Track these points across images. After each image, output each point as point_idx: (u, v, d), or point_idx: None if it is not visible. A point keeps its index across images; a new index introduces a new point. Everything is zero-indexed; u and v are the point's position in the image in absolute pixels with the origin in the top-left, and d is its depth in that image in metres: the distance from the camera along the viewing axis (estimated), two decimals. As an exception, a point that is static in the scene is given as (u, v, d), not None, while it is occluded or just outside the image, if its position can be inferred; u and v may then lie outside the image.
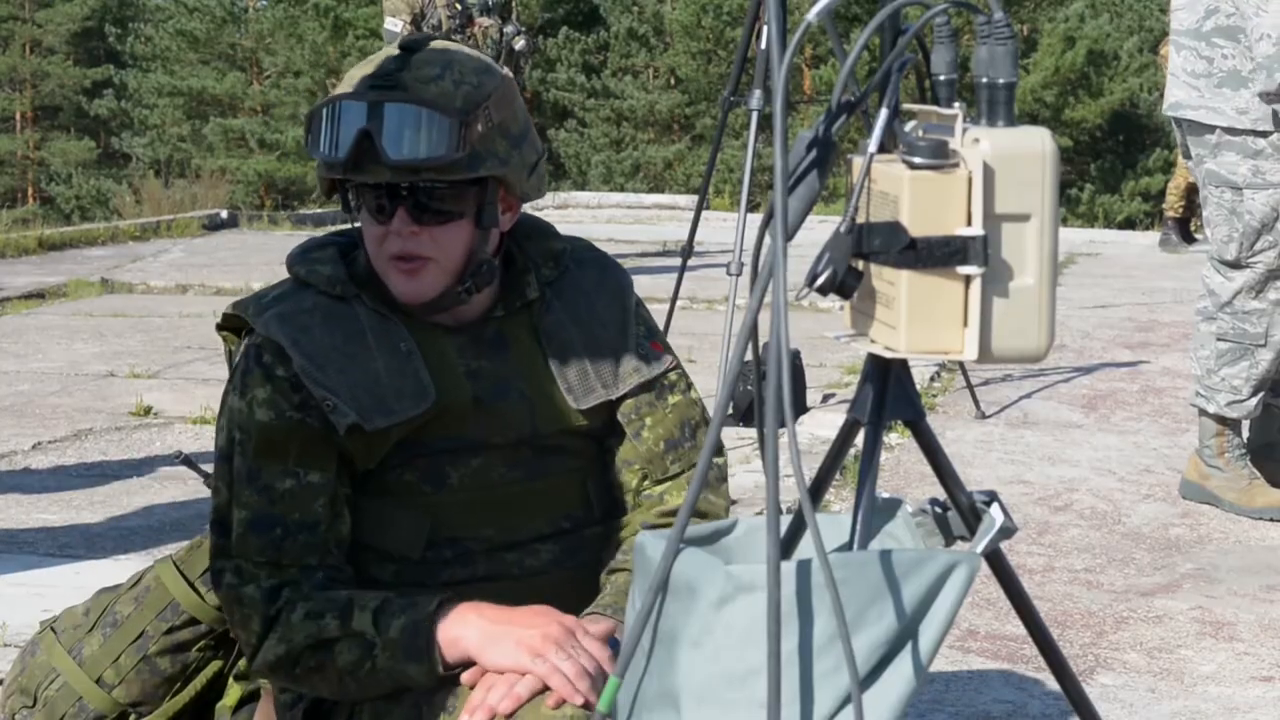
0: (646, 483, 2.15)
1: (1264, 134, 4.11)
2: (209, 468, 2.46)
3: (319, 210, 13.45)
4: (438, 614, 1.93)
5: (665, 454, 2.14)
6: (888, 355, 1.56)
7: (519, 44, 8.96)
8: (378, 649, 1.94)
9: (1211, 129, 4.21)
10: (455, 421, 2.05)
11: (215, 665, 2.33)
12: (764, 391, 1.50)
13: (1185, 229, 10.72)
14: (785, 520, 1.58)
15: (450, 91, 2.00)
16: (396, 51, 2.04)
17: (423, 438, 2.04)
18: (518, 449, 2.08)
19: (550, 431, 2.10)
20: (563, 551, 2.10)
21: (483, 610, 1.93)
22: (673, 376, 2.18)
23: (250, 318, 2.08)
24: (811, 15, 1.49)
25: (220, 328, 2.17)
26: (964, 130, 1.53)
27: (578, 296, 2.14)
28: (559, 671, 1.87)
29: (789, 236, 1.49)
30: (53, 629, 2.37)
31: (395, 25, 8.13)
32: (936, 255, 1.50)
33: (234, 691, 2.29)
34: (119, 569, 3.43)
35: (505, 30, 8.87)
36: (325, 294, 2.08)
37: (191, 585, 2.30)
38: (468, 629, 1.92)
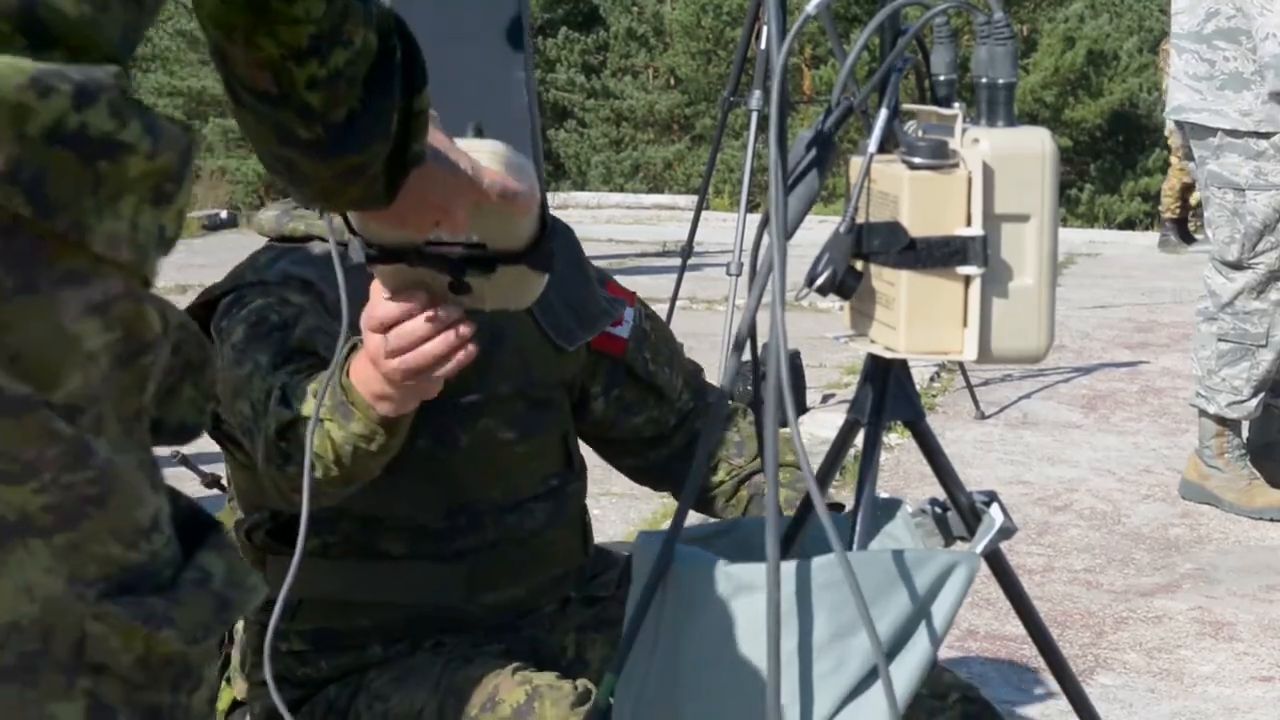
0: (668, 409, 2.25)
1: (1266, 135, 4.12)
2: (208, 468, 2.46)
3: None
4: (348, 366, 1.76)
5: (674, 374, 2.27)
6: (887, 355, 1.56)
7: (519, 44, 8.95)
8: (327, 422, 1.78)
9: (1214, 131, 4.21)
10: (463, 375, 2.02)
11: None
12: (763, 392, 1.50)
13: (1183, 229, 10.71)
14: (785, 520, 1.58)
15: None
16: None
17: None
18: (514, 402, 2.07)
19: (543, 379, 2.10)
20: (554, 510, 2.11)
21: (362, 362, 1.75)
22: (643, 314, 2.27)
23: (256, 275, 1.98)
24: (811, 8, 1.49)
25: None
26: (963, 130, 1.53)
27: None
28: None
29: (787, 236, 1.49)
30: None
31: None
32: (936, 255, 1.50)
33: (226, 695, 2.29)
34: (118, 569, 3.42)
35: (505, 30, 8.85)
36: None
37: None
38: (370, 375, 1.74)
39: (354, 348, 1.78)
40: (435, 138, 1.41)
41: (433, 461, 2.02)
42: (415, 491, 2.01)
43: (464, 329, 1.65)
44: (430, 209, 1.44)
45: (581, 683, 1.89)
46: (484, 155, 1.48)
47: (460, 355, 1.67)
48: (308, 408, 1.82)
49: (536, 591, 2.09)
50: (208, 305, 2.04)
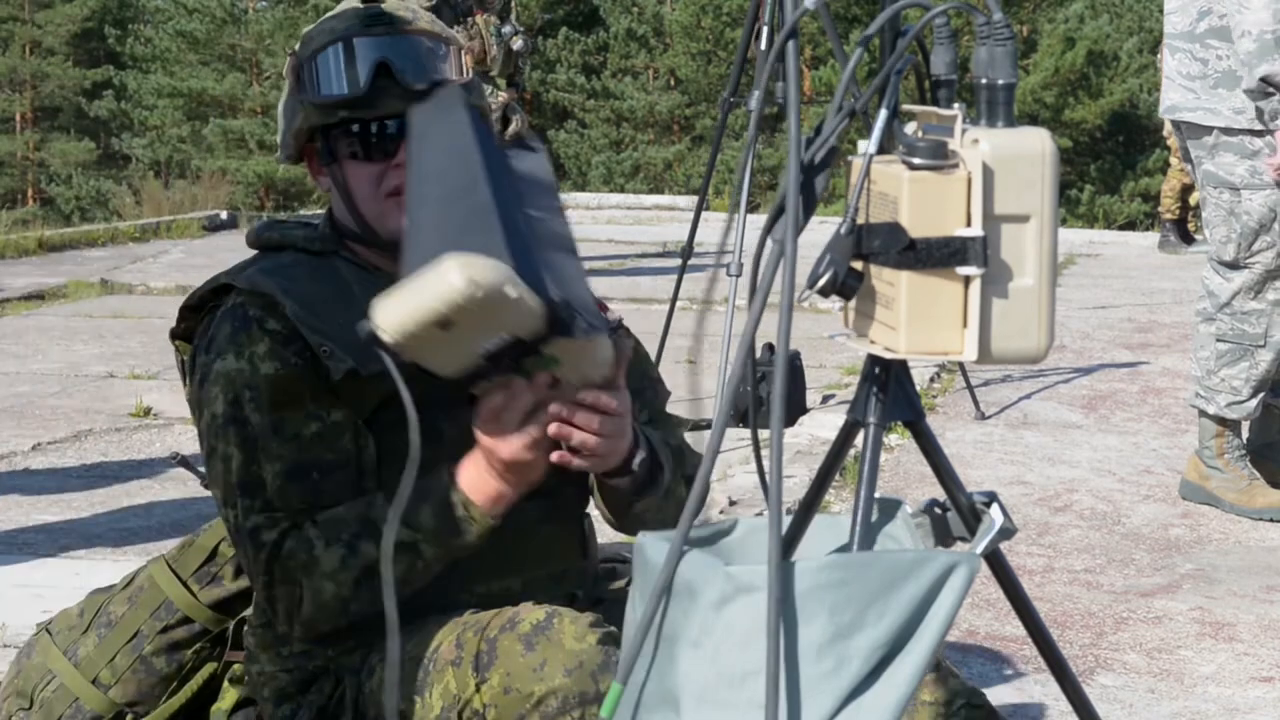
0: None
1: (1260, 134, 4.11)
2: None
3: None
4: (456, 483, 1.97)
5: (642, 401, 2.25)
6: (887, 356, 1.56)
7: (516, 44, 8.96)
8: (421, 544, 1.97)
9: (1209, 130, 4.22)
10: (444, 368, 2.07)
11: (211, 666, 2.32)
12: (762, 393, 1.50)
13: (1183, 229, 10.71)
14: (785, 521, 1.58)
15: (430, 27, 2.08)
16: (359, 2, 2.10)
17: (414, 390, 2.04)
18: None
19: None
20: (546, 507, 2.13)
21: (473, 461, 1.97)
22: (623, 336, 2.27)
23: (228, 279, 2.09)
24: (810, 2, 1.49)
25: (174, 336, 2.17)
26: (963, 131, 1.53)
27: None
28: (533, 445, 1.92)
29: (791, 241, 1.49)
30: (48, 631, 2.37)
31: None
32: (936, 256, 1.50)
33: (230, 695, 2.29)
34: (119, 569, 3.43)
35: (503, 31, 8.86)
36: (304, 251, 2.11)
37: (184, 584, 2.30)
38: (482, 480, 1.97)
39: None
40: None
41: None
42: (398, 482, 2.04)
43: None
44: None
45: (598, 615, 1.95)
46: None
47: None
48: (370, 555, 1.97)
49: (532, 585, 2.11)
50: (194, 308, 2.15)
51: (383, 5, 2.09)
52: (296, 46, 2.12)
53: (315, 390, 2.03)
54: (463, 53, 2.09)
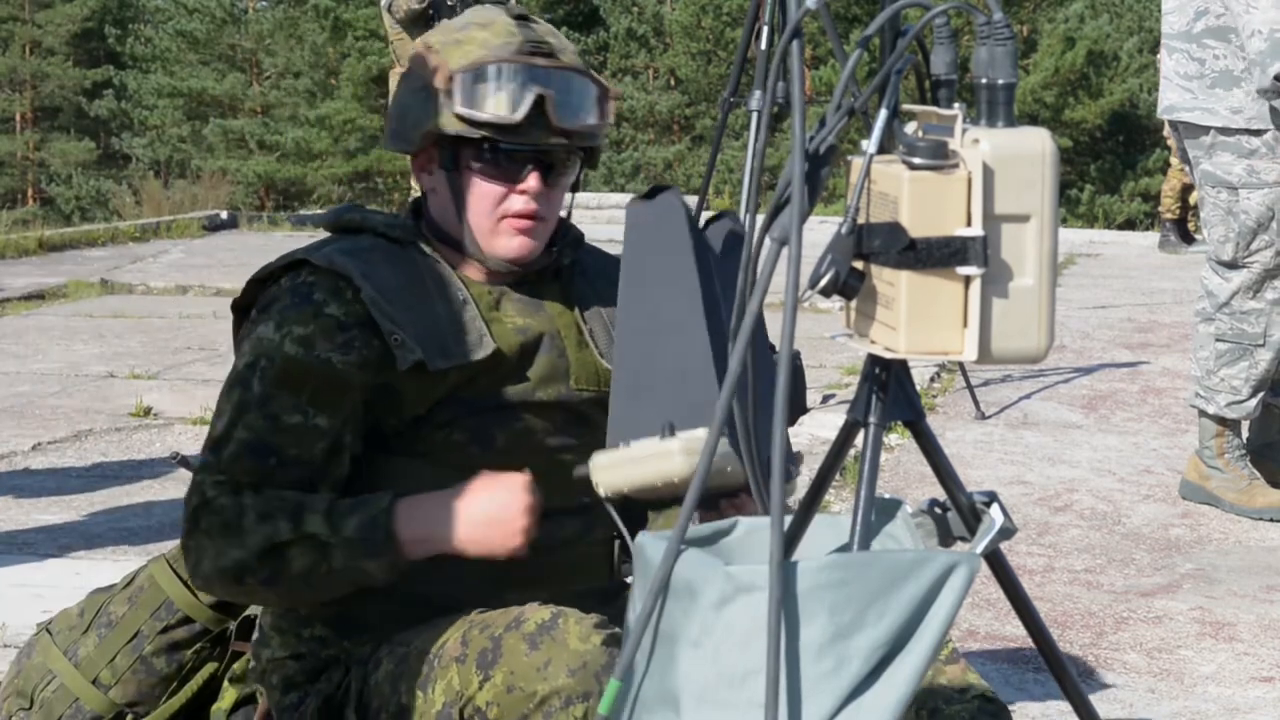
0: None
1: (1258, 133, 4.12)
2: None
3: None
4: (393, 509, 1.99)
5: None
6: (887, 356, 1.56)
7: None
8: (333, 548, 1.97)
9: (1206, 130, 4.22)
10: (505, 375, 2.09)
11: (211, 666, 2.33)
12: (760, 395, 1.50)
13: (1183, 229, 10.72)
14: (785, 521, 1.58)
15: (580, 64, 2.12)
16: (510, 18, 2.11)
17: (473, 392, 2.08)
18: (555, 411, 2.13)
19: (584, 391, 2.16)
20: (584, 526, 2.14)
21: (436, 502, 2.00)
22: None
23: (305, 255, 2.10)
24: (811, 2, 1.49)
25: (235, 306, 2.18)
26: (963, 131, 1.53)
27: (593, 274, 2.23)
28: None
29: (785, 243, 1.49)
30: (48, 631, 2.37)
31: None
32: (936, 256, 1.50)
33: (229, 695, 2.29)
34: (119, 569, 3.43)
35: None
36: (383, 236, 2.12)
37: (185, 583, 2.30)
38: (430, 526, 2.00)
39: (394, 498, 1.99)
40: None
41: (466, 456, 2.08)
42: (445, 484, 2.06)
43: None
44: None
45: (602, 617, 1.96)
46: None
47: None
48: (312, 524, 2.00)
49: (560, 601, 2.11)
50: (262, 281, 2.14)
51: (535, 27, 2.10)
52: (434, 41, 2.11)
53: (321, 388, 2.03)
54: (608, 99, 2.12)
